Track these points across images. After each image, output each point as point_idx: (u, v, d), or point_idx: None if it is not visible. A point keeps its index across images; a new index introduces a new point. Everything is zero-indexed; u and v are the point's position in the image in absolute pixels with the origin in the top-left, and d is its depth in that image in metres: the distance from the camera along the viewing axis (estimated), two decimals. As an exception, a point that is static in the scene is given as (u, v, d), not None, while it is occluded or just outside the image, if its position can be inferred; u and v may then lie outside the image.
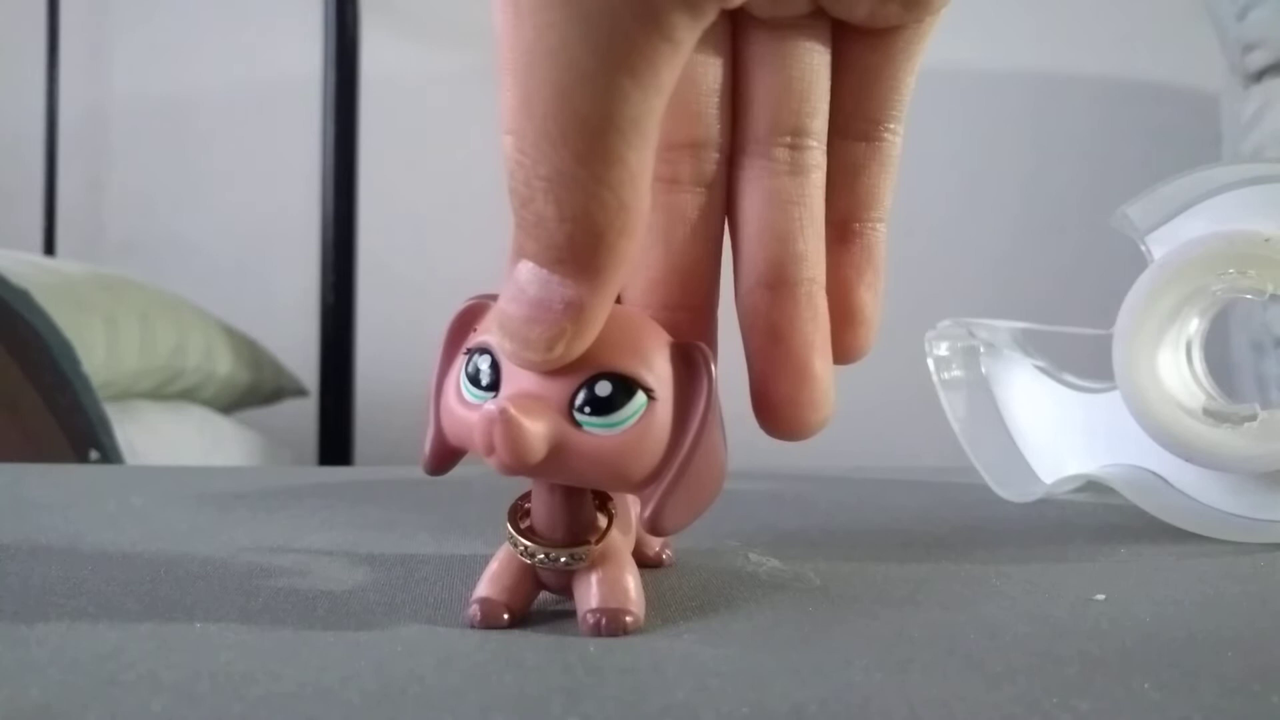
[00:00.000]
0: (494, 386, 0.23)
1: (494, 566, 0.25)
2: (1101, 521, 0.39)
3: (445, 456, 0.25)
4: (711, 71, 0.25)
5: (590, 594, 0.24)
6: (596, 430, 0.22)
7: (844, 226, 0.27)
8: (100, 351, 0.96)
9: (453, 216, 1.35)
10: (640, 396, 0.23)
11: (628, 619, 0.24)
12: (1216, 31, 0.99)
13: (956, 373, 0.44)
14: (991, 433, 0.44)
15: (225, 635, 0.23)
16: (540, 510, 0.25)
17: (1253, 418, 0.36)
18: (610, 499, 0.25)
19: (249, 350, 1.17)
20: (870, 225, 0.27)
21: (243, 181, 1.40)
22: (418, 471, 0.49)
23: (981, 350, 0.44)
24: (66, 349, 0.89)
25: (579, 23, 0.20)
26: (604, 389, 0.22)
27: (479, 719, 0.18)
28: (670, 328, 0.25)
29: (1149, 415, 0.37)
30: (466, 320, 0.25)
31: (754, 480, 0.48)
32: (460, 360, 0.24)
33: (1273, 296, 0.37)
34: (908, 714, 0.19)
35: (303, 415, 1.29)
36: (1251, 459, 0.36)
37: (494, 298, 0.24)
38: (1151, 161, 1.22)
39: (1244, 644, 0.24)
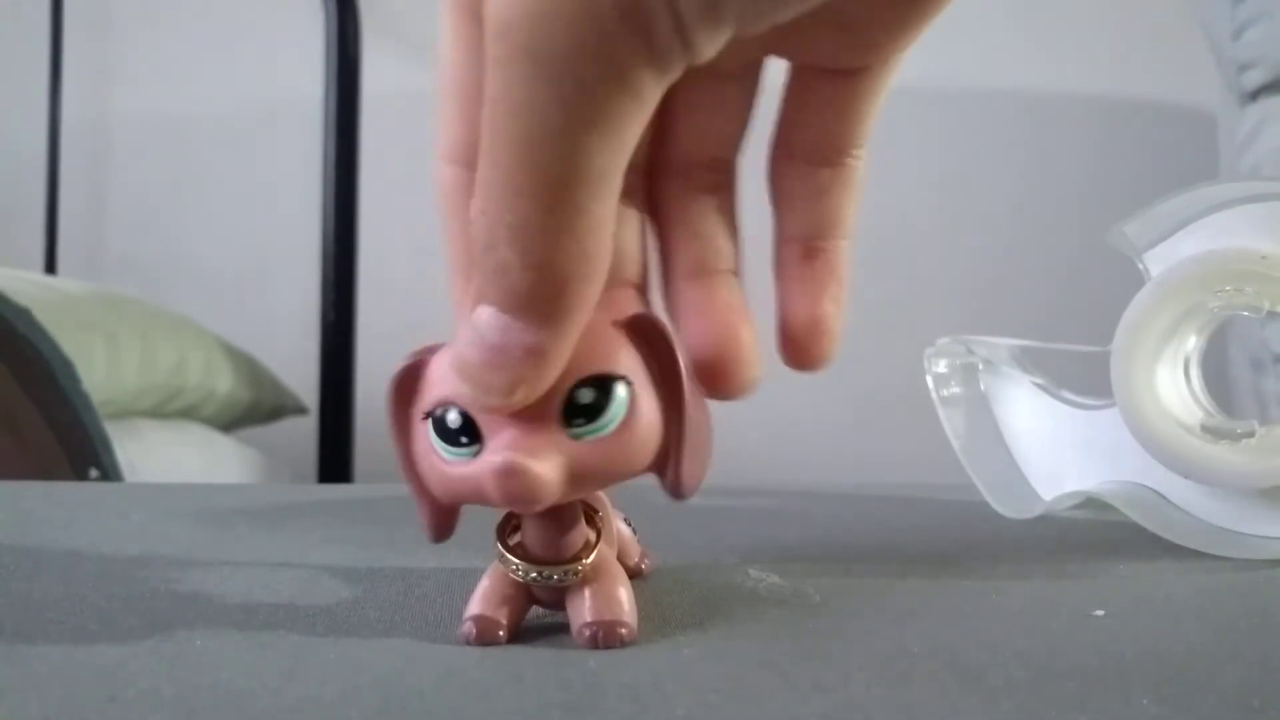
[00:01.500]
0: (473, 437, 0.23)
1: (485, 584, 0.25)
2: (1100, 538, 0.39)
3: (446, 520, 0.25)
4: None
5: (584, 608, 0.24)
6: (595, 436, 0.23)
7: (808, 244, 0.28)
8: (100, 369, 0.96)
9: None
10: (620, 388, 0.23)
11: (622, 630, 0.24)
12: (1212, 50, 0.99)
13: (955, 390, 0.44)
14: (990, 450, 0.44)
15: (225, 651, 0.23)
16: (530, 530, 0.25)
17: (1251, 434, 0.36)
18: (597, 512, 0.25)
19: (249, 368, 1.17)
20: (834, 244, 0.28)
21: (244, 199, 1.40)
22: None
23: (980, 367, 0.44)
24: (67, 367, 0.89)
25: (547, 80, 0.20)
26: (587, 396, 0.23)
27: (479, 735, 0.18)
28: (609, 305, 0.25)
29: (1147, 431, 0.37)
30: (406, 385, 0.24)
31: (753, 497, 0.48)
32: (422, 426, 0.24)
33: (1270, 313, 0.37)
34: (907, 729, 0.19)
35: (303, 433, 1.29)
36: (1250, 475, 0.36)
37: (426, 351, 0.24)
38: (1148, 179, 1.23)
39: (1243, 659, 0.24)
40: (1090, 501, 0.41)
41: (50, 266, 1.36)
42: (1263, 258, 0.37)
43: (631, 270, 0.27)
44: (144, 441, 1.02)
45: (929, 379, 0.44)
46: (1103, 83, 1.31)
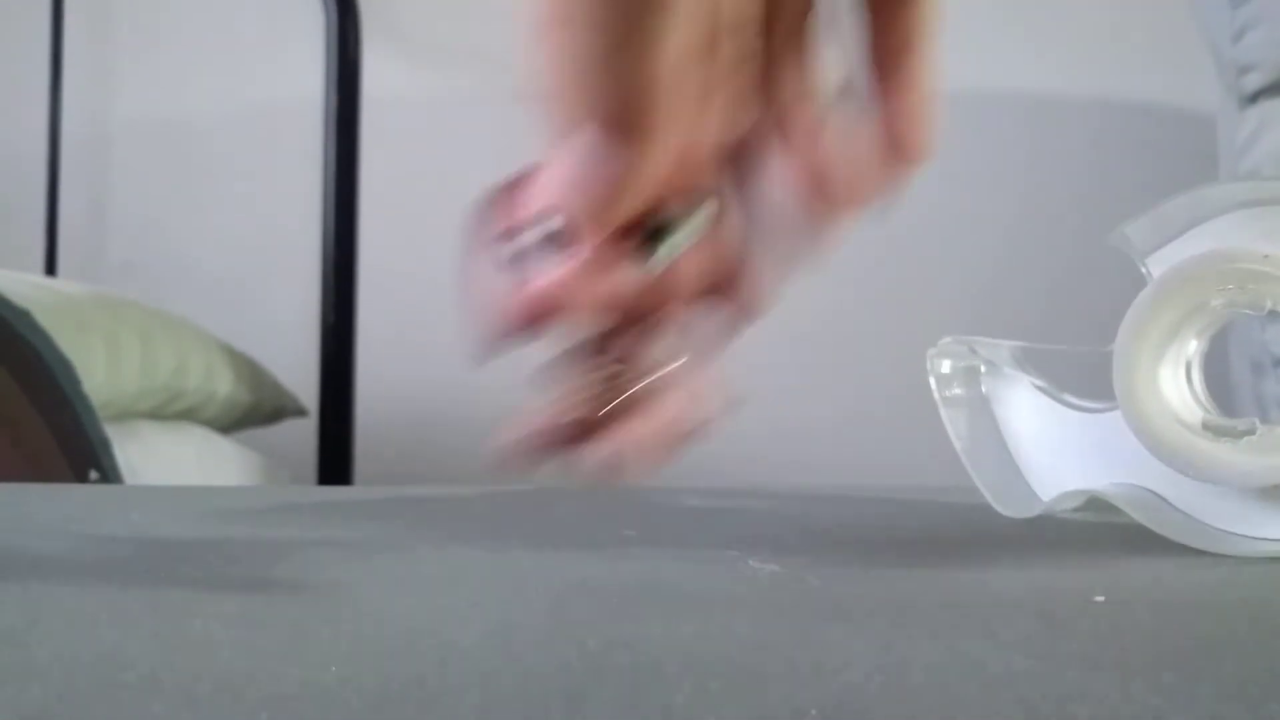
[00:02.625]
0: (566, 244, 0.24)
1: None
2: (1102, 534, 0.39)
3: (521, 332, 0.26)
4: None
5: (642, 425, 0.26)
6: (665, 260, 0.25)
7: (893, 57, 0.30)
8: (101, 372, 0.96)
9: (454, 237, 1.35)
10: (687, 221, 0.25)
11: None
12: (1212, 53, 1.00)
13: (957, 391, 0.44)
14: (992, 451, 0.44)
15: (226, 636, 0.23)
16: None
17: (1251, 431, 0.36)
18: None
19: (249, 370, 1.17)
20: (916, 56, 0.30)
21: (244, 202, 1.40)
22: (419, 490, 0.49)
23: (983, 369, 0.44)
24: (67, 369, 0.89)
25: None
26: (659, 223, 0.25)
27: (479, 720, 0.18)
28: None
29: (1148, 430, 0.37)
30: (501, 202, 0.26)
31: (754, 498, 0.48)
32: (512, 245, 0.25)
33: (1271, 312, 0.37)
34: (908, 716, 0.19)
35: (303, 435, 1.29)
36: (1251, 473, 0.36)
37: (508, 185, 0.26)
38: (1148, 182, 1.22)
39: (1243, 649, 0.24)
40: (1091, 503, 0.41)
41: (50, 268, 1.36)
42: (1265, 256, 0.37)
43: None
44: (144, 444, 1.02)
45: (932, 380, 0.44)
46: (1103, 85, 1.31)
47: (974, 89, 1.31)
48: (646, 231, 0.24)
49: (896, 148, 0.30)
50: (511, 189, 0.26)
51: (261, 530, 0.38)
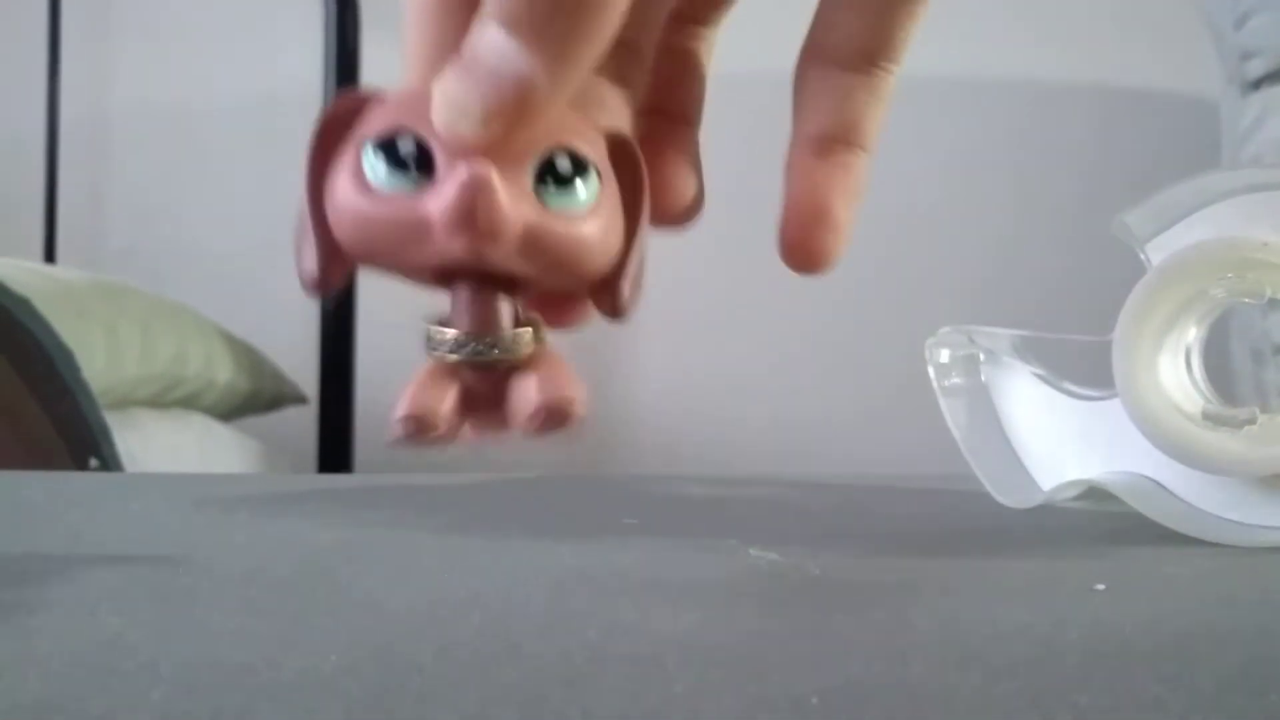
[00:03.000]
0: (423, 169, 0.21)
1: (411, 385, 0.23)
2: (1103, 524, 0.39)
3: (339, 269, 0.23)
4: None
5: (531, 388, 0.22)
6: (564, 209, 0.21)
7: (824, 143, 0.26)
8: (100, 359, 0.96)
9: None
10: (594, 176, 0.22)
11: (574, 408, 0.22)
12: (1214, 39, 0.99)
13: (957, 380, 0.44)
14: (992, 440, 0.44)
15: (225, 624, 0.23)
16: (462, 302, 0.23)
17: (1252, 420, 0.36)
18: (540, 324, 0.23)
19: (249, 358, 1.17)
20: (852, 149, 0.27)
21: (243, 189, 1.40)
22: (419, 477, 0.50)
23: (982, 358, 0.44)
24: (67, 357, 0.89)
25: None
26: (564, 164, 0.21)
27: (479, 710, 0.18)
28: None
29: (1148, 419, 0.37)
30: (340, 117, 0.23)
31: (752, 487, 0.48)
32: (352, 155, 0.22)
33: (1271, 300, 0.37)
34: (908, 705, 0.19)
35: (303, 423, 1.29)
36: (1251, 462, 0.36)
37: (374, 92, 0.22)
38: (1149, 169, 1.22)
39: (1245, 638, 0.24)
40: (1091, 492, 0.41)
41: (49, 255, 1.36)
42: (1264, 244, 0.37)
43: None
44: (143, 431, 1.02)
45: (931, 369, 0.43)
46: (1104, 71, 1.31)
47: (974, 76, 1.31)
48: (538, 168, 0.21)
49: (794, 242, 0.26)
50: (355, 105, 0.22)
51: (261, 518, 0.38)
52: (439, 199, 0.21)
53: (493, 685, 0.20)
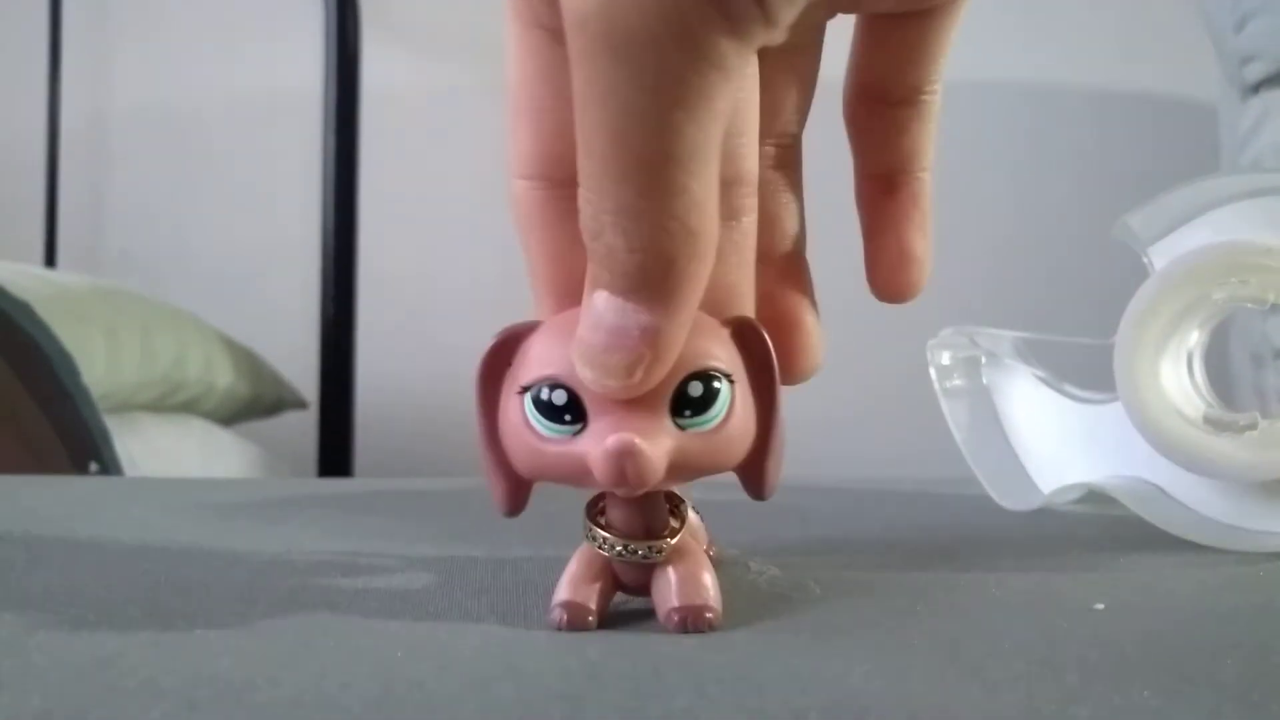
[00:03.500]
0: (577, 417, 0.23)
1: (573, 568, 0.25)
2: (1101, 531, 0.39)
3: (522, 494, 0.26)
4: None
5: (670, 592, 0.25)
6: (699, 430, 0.23)
7: (891, 179, 0.28)
8: (100, 363, 0.96)
9: (453, 229, 1.35)
10: (725, 385, 0.24)
11: (709, 615, 0.24)
12: (1214, 43, 0.99)
13: (958, 382, 0.44)
14: (993, 442, 0.44)
15: (225, 642, 0.23)
16: (617, 510, 0.25)
17: (1253, 426, 0.36)
18: (681, 501, 0.26)
19: (249, 362, 1.17)
20: (916, 176, 0.28)
21: (244, 193, 1.40)
22: (418, 483, 0.49)
23: (983, 360, 0.44)
24: (67, 361, 0.89)
25: (628, 65, 0.21)
26: (697, 389, 0.23)
27: (479, 726, 0.18)
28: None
29: (1150, 423, 0.37)
30: (500, 355, 0.25)
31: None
32: (516, 399, 0.24)
33: (1273, 306, 0.37)
34: (908, 720, 0.19)
35: (303, 427, 1.28)
36: (1252, 467, 0.36)
37: (521, 328, 0.25)
38: (1149, 172, 1.22)
39: (1243, 652, 0.24)
40: (1091, 495, 0.41)
41: (50, 260, 1.36)
42: (1267, 250, 0.37)
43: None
44: (144, 436, 1.02)
45: (932, 371, 0.43)
46: (1104, 75, 1.31)
47: (975, 79, 1.31)
48: (674, 400, 0.23)
49: (885, 282, 0.28)
50: (512, 343, 0.25)
51: (261, 527, 0.38)
52: (593, 453, 0.23)
53: (492, 702, 0.20)
